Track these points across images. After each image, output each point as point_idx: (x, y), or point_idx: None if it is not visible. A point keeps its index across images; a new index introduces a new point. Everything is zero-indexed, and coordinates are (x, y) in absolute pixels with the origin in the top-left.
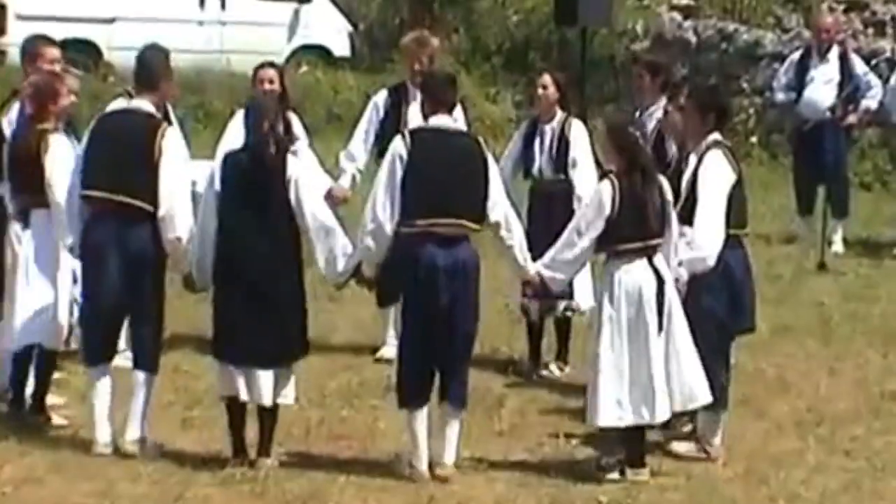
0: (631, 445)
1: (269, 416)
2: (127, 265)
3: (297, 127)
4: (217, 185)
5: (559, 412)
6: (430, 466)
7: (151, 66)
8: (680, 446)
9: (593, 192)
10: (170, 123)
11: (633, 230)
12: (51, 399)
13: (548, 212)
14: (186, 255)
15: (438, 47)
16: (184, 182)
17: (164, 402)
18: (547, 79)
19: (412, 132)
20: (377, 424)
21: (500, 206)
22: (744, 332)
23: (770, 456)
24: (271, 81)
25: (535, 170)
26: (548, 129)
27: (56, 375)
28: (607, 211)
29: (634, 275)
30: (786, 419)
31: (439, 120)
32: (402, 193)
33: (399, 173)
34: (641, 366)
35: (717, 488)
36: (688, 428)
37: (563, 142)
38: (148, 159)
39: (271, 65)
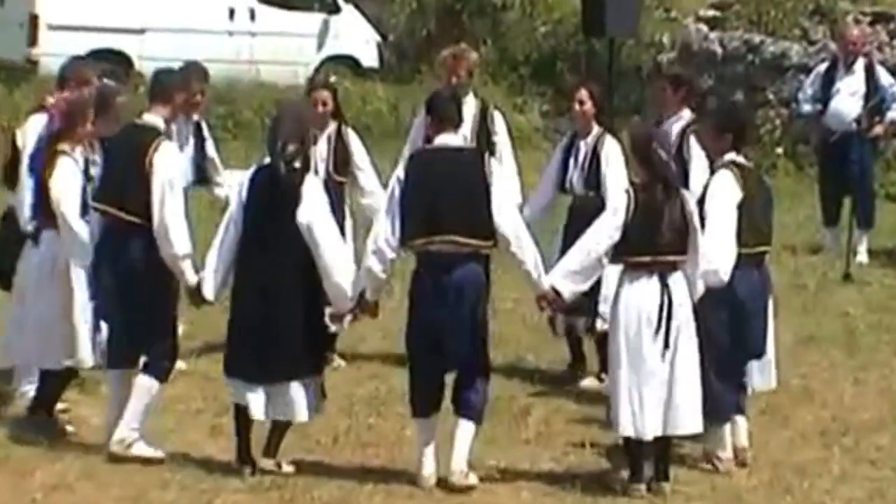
0: (659, 457)
1: (278, 427)
2: (121, 278)
3: (356, 143)
4: (243, 199)
5: (585, 422)
6: (443, 477)
7: (165, 80)
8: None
9: (610, 203)
10: (203, 138)
11: (643, 244)
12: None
13: (583, 229)
14: (186, 269)
15: (476, 60)
16: (178, 197)
17: (193, 410)
18: (584, 93)
19: (413, 154)
20: (404, 432)
21: (507, 221)
22: (751, 358)
23: (795, 465)
24: (325, 104)
25: (567, 185)
26: (583, 144)
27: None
28: (621, 221)
29: (640, 290)
30: (810, 429)
31: (443, 139)
32: (401, 215)
33: (398, 195)
34: (637, 381)
35: (742, 497)
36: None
37: (595, 159)
38: (140, 173)
39: (325, 86)
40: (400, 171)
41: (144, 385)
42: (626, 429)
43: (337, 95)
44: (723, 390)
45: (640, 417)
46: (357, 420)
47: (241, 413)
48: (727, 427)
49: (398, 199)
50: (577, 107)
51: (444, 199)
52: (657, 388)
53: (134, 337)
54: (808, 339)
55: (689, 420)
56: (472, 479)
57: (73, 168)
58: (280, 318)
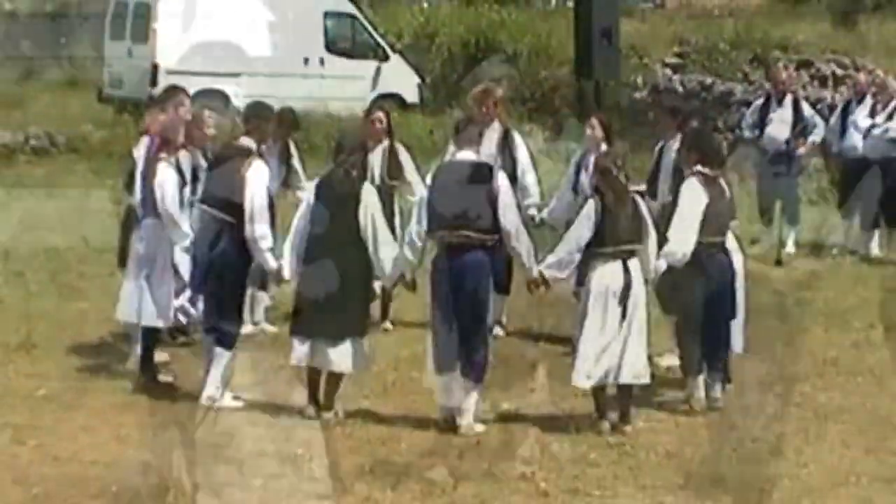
0: (622, 403)
1: (331, 379)
2: (215, 263)
3: (405, 157)
4: (311, 200)
5: None
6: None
7: (256, 113)
8: (666, 360)
9: (583, 209)
10: (290, 154)
11: (606, 238)
12: (158, 357)
13: None
14: (268, 257)
15: (500, 95)
16: (265, 203)
17: (276, 367)
18: (594, 121)
19: (440, 165)
20: None
21: (509, 221)
22: (726, 320)
23: (738, 408)
24: (381, 121)
25: (578, 188)
26: (592, 158)
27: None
28: (593, 222)
29: (606, 272)
30: (751, 380)
31: (463, 154)
32: (427, 212)
33: (425, 198)
34: (604, 343)
35: (699, 432)
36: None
37: None
38: (237, 183)
39: (381, 108)
40: (429, 179)
41: (218, 354)
42: (579, 380)
43: (390, 117)
44: (695, 349)
45: (594, 368)
46: (402, 374)
47: (312, 370)
48: (700, 378)
49: (425, 201)
50: (588, 131)
51: (458, 202)
52: (614, 345)
53: (216, 307)
54: (749, 310)
55: (640, 370)
56: (479, 427)
57: (171, 171)
58: (341, 291)
